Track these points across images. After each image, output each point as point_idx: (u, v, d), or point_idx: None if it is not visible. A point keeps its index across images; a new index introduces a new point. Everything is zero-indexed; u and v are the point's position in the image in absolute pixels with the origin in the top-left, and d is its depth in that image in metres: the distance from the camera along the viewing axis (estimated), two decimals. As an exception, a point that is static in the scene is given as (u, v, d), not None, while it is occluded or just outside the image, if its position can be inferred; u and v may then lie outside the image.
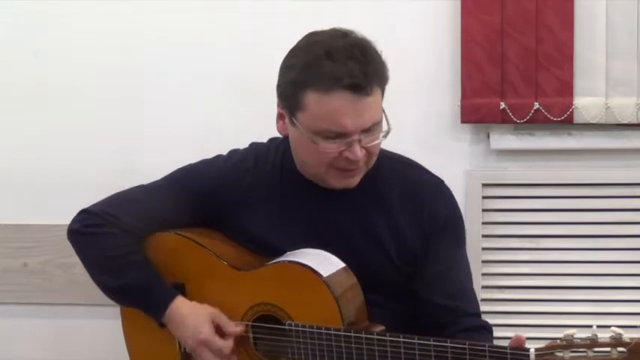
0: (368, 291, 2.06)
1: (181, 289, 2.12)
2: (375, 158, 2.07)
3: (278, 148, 2.21)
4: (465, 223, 2.27)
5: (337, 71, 1.93)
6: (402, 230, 2.12)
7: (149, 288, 2.09)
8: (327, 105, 1.95)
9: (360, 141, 1.98)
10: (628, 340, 1.75)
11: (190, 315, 2.06)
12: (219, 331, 2.06)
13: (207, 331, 2.04)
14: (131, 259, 2.10)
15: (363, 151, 2.00)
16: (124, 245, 2.11)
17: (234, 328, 2.06)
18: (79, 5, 2.74)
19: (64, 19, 2.75)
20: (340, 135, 1.98)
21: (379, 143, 2.04)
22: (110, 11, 2.73)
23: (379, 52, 2.01)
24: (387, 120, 2.03)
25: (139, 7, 2.73)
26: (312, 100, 1.97)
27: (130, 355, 2.25)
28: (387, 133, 2.03)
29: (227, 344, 2.05)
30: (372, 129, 2.00)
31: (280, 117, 2.09)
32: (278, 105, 2.08)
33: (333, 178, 2.06)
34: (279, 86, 2.06)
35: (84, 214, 2.17)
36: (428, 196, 2.15)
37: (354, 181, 2.08)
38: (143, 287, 2.09)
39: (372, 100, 1.97)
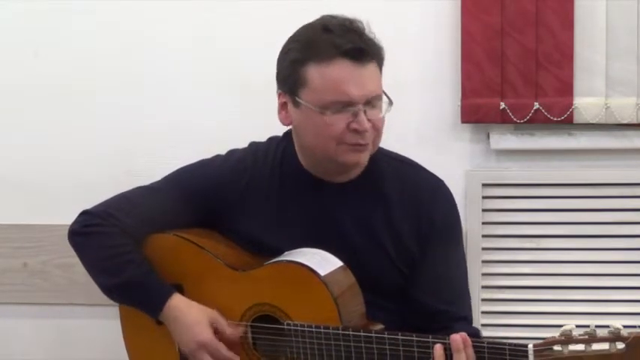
0: (367, 291, 2.06)
1: (179, 290, 2.12)
2: (381, 135, 2.08)
3: (278, 147, 2.21)
4: (464, 223, 2.27)
5: (336, 40, 1.98)
6: (400, 228, 2.12)
7: (146, 285, 2.09)
8: (328, 75, 1.99)
9: (365, 112, 2.00)
10: (626, 335, 1.75)
11: (187, 315, 2.06)
12: (217, 333, 2.06)
13: (206, 334, 2.04)
14: (128, 257, 2.11)
15: (370, 123, 2.01)
16: (122, 244, 2.11)
17: (233, 330, 2.06)
18: (79, 5, 2.73)
19: (64, 19, 2.75)
20: (345, 105, 1.99)
21: (383, 118, 2.06)
22: (110, 11, 2.73)
23: (372, 33, 2.05)
24: (387, 96, 2.05)
25: (140, 7, 2.73)
26: (314, 73, 2.00)
27: (130, 355, 2.26)
28: (390, 105, 2.05)
29: (225, 347, 2.05)
30: (374, 103, 2.03)
31: (282, 106, 2.10)
32: (279, 95, 2.10)
33: (343, 154, 2.05)
34: (278, 73, 2.08)
35: (84, 215, 2.18)
36: (426, 197, 2.15)
37: (364, 156, 2.07)
38: (140, 285, 2.09)
39: (372, 70, 2.01)
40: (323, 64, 1.99)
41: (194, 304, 2.08)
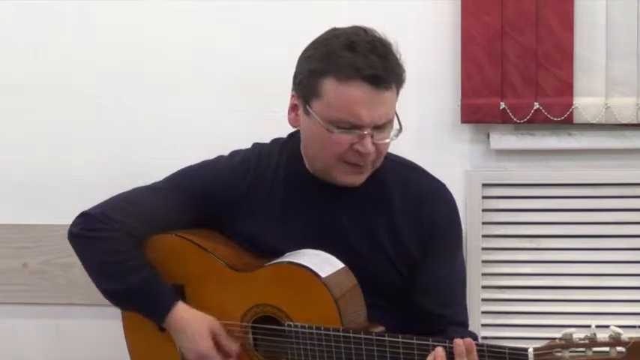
0: (368, 293, 2.06)
1: (180, 290, 2.12)
2: (382, 158, 2.08)
3: (282, 149, 2.21)
4: (464, 222, 2.27)
5: (358, 62, 1.95)
6: (401, 231, 2.12)
7: (148, 293, 2.09)
8: (344, 94, 1.97)
9: (372, 136, 1.99)
10: (627, 340, 1.75)
11: (191, 325, 2.06)
12: (218, 344, 2.06)
13: (206, 345, 2.05)
14: (131, 263, 2.10)
15: (374, 147, 2.01)
16: (125, 250, 2.11)
17: (232, 346, 2.07)
18: (79, 4, 2.73)
19: (64, 18, 2.75)
20: (354, 126, 1.98)
21: (389, 142, 2.05)
22: (111, 11, 2.73)
23: (398, 54, 2.03)
24: (399, 121, 2.04)
25: (140, 7, 2.72)
26: (330, 88, 1.98)
27: (131, 355, 2.25)
28: (399, 132, 2.05)
29: (224, 358, 2.06)
30: (384, 126, 2.01)
31: (293, 108, 2.09)
32: (292, 95, 2.09)
33: (341, 173, 2.06)
34: (296, 75, 2.07)
35: (85, 217, 2.17)
36: (428, 200, 2.15)
37: (361, 178, 2.08)
38: (142, 292, 2.09)
39: (388, 96, 1.99)
40: (341, 82, 1.96)
41: (197, 313, 2.08)
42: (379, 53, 1.97)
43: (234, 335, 2.08)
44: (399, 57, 2.02)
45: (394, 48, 2.02)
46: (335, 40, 2.00)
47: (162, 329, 2.11)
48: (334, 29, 2.05)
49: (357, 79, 1.95)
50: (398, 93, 2.04)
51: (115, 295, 2.13)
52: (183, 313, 2.08)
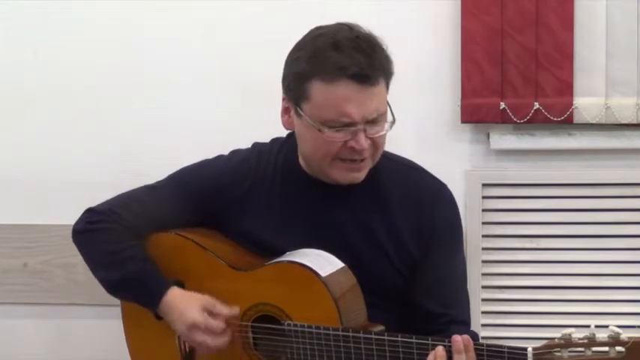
0: (368, 293, 2.06)
1: (180, 288, 2.12)
2: (380, 151, 2.08)
3: (281, 149, 2.21)
4: (464, 222, 2.26)
5: (343, 61, 1.95)
6: (401, 232, 2.12)
7: (144, 280, 2.10)
8: (332, 94, 1.97)
9: (365, 131, 1.99)
10: (626, 339, 1.75)
11: (182, 302, 2.06)
12: (212, 316, 2.05)
13: (195, 314, 2.03)
14: (128, 252, 2.11)
15: (368, 142, 2.01)
16: (123, 240, 2.12)
17: (226, 310, 2.05)
18: (78, 4, 2.73)
19: (64, 18, 2.75)
20: (346, 124, 1.98)
21: (385, 134, 2.05)
22: (110, 10, 2.73)
23: (385, 46, 2.03)
24: (391, 112, 2.04)
25: (140, 7, 2.73)
26: (318, 89, 1.98)
27: (131, 352, 2.26)
28: (392, 123, 2.04)
29: (217, 324, 2.04)
30: (377, 120, 2.01)
31: (285, 111, 2.10)
32: (283, 99, 2.09)
33: (338, 171, 2.06)
34: (284, 79, 2.07)
35: (88, 212, 2.20)
36: (428, 200, 2.15)
37: (360, 175, 2.08)
38: (139, 280, 2.09)
39: (377, 91, 1.99)
40: (327, 83, 1.96)
41: (190, 293, 2.08)
42: (363, 50, 1.97)
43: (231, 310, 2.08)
44: (385, 50, 2.02)
45: (380, 42, 2.02)
46: (320, 40, 2.00)
47: (159, 317, 2.11)
48: (318, 28, 2.06)
49: (343, 78, 1.95)
50: (388, 85, 2.03)
51: (112, 285, 2.14)
52: (176, 295, 2.07)
